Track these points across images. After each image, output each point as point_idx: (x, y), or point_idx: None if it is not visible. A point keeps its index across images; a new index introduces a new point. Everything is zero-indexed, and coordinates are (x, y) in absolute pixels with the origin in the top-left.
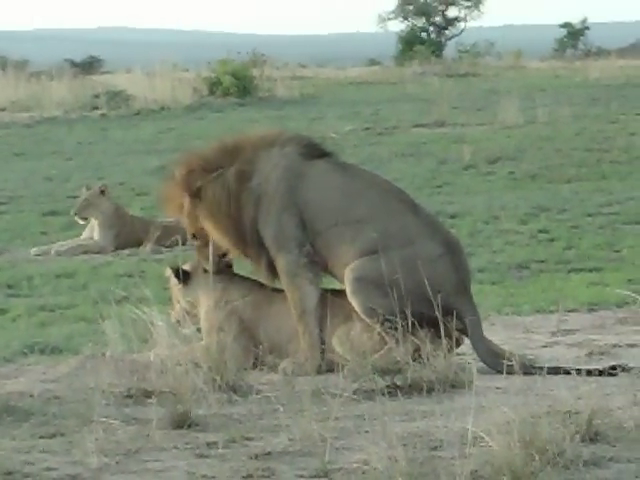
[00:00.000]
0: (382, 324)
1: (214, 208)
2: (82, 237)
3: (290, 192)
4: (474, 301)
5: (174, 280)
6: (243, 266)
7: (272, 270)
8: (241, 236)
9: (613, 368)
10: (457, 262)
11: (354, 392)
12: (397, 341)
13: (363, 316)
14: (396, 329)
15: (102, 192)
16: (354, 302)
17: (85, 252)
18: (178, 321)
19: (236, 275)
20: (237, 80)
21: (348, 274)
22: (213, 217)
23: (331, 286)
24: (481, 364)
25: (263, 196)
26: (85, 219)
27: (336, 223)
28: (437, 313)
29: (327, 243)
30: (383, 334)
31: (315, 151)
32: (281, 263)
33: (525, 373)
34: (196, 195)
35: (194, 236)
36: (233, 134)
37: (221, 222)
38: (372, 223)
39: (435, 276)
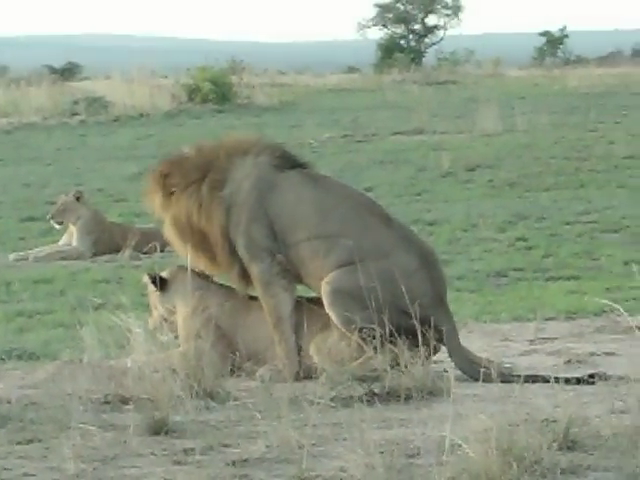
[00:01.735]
0: (360, 331)
1: (182, 219)
2: (60, 243)
3: (260, 203)
4: (450, 310)
5: (152, 287)
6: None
7: (244, 278)
8: (207, 247)
9: (591, 376)
10: (433, 274)
11: (332, 399)
12: (375, 349)
13: (342, 328)
14: (374, 338)
15: (77, 198)
16: (332, 314)
17: (63, 258)
18: (155, 328)
19: (213, 282)
20: (216, 87)
21: (325, 287)
22: (178, 226)
23: (308, 294)
24: (459, 372)
25: (234, 205)
26: (60, 223)
27: (309, 237)
28: (415, 323)
29: (300, 256)
30: (361, 343)
31: (289, 162)
32: (254, 272)
33: (503, 381)
34: (168, 197)
35: None
36: (212, 140)
37: (184, 233)
38: (345, 238)
39: (411, 289)
